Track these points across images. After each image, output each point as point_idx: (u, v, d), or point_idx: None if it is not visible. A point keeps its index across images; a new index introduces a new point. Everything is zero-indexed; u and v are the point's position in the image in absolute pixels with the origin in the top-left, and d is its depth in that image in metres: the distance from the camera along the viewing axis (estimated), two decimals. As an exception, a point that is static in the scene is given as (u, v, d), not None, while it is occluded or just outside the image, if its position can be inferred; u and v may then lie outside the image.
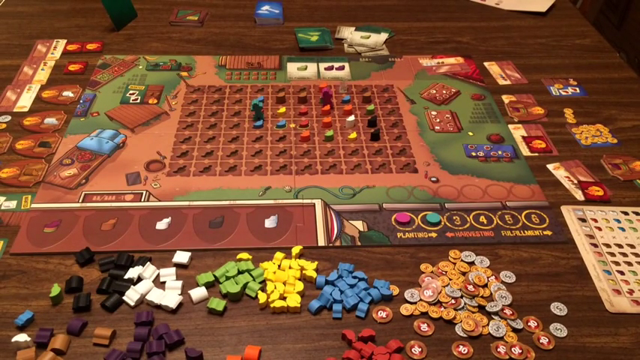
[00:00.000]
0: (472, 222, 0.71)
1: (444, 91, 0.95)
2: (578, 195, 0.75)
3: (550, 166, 0.80)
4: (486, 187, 0.76)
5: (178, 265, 0.65)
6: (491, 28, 1.15)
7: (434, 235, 0.69)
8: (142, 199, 0.73)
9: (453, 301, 0.61)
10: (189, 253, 0.65)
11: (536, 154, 0.82)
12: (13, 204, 0.72)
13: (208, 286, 0.62)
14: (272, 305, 0.60)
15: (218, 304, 0.59)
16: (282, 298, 0.61)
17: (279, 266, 0.64)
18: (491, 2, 1.24)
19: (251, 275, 0.63)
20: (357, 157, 0.81)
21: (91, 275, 0.63)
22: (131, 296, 0.60)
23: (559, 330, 0.58)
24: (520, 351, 0.56)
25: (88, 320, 0.58)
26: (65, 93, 0.92)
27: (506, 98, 0.94)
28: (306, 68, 1.00)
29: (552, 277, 0.64)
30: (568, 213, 0.72)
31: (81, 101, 0.90)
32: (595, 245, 0.68)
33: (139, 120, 0.87)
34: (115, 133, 0.84)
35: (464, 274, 0.64)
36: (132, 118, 0.87)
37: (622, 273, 0.65)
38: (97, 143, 0.82)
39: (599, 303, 0.62)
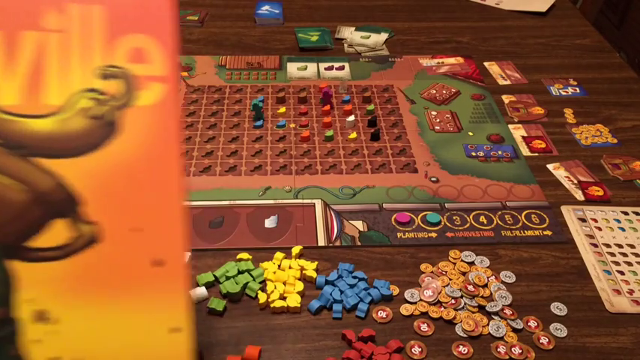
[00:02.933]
0: (472, 222, 0.71)
1: (444, 91, 0.95)
2: (578, 195, 0.75)
3: (550, 166, 0.80)
4: (486, 187, 0.76)
5: (178, 265, 0.65)
6: (491, 28, 1.15)
7: (434, 235, 0.69)
8: (142, 199, 0.73)
9: (453, 301, 0.61)
10: (189, 253, 0.65)
11: (536, 154, 0.82)
12: (13, 204, 0.72)
13: (208, 286, 0.62)
14: (272, 305, 0.60)
15: (218, 304, 0.59)
16: (282, 298, 0.61)
17: (279, 266, 0.64)
18: (491, 2, 1.24)
19: (251, 275, 0.63)
20: (357, 157, 0.81)
21: (91, 275, 0.63)
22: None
23: (559, 330, 0.58)
24: (520, 351, 0.56)
25: (88, 320, 0.58)
26: (65, 93, 0.92)
27: (506, 98, 0.94)
28: (306, 68, 1.00)
29: (552, 277, 0.64)
30: (568, 213, 0.72)
31: (81, 101, 0.90)
32: (595, 245, 0.68)
33: (139, 120, 0.87)
34: (115, 133, 0.83)
35: (464, 274, 0.64)
36: (132, 118, 0.87)
37: (622, 273, 0.65)
38: (97, 143, 0.82)
39: (599, 303, 0.62)
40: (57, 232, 0.30)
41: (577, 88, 0.97)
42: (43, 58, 0.32)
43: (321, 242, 0.68)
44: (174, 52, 0.33)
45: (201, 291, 0.61)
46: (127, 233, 0.31)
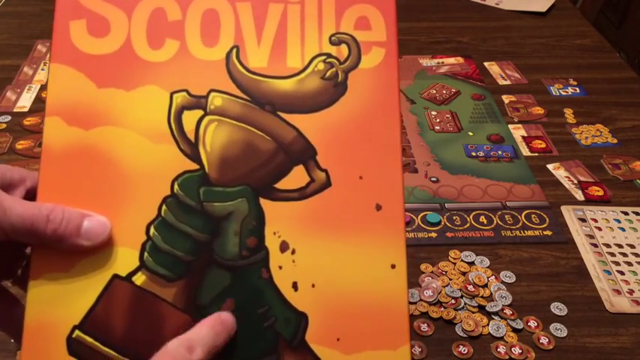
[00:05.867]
0: (472, 222, 0.71)
1: (444, 91, 0.95)
2: (578, 195, 0.75)
3: (550, 166, 0.80)
4: (486, 187, 0.76)
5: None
6: (491, 28, 1.15)
7: (434, 235, 0.69)
8: (142, 199, 0.73)
9: (452, 301, 0.61)
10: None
11: (536, 154, 0.82)
12: (13, 204, 0.72)
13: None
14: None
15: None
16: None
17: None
18: (491, 2, 1.24)
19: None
20: (357, 157, 0.81)
21: (91, 275, 0.63)
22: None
23: (559, 330, 0.58)
24: (520, 351, 0.56)
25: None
26: (65, 93, 0.92)
27: (506, 98, 0.94)
28: (306, 68, 1.00)
29: (552, 277, 0.64)
30: (568, 213, 0.72)
31: (81, 101, 0.90)
32: (595, 245, 0.68)
33: (139, 120, 0.87)
34: (115, 133, 0.84)
35: (464, 274, 0.64)
36: (132, 118, 0.87)
37: (622, 273, 0.65)
38: (97, 143, 0.82)
39: (599, 303, 0.62)
40: (296, 177, 0.36)
41: (577, 88, 0.97)
42: (285, 27, 0.37)
43: (321, 242, 0.68)
44: (393, 19, 0.39)
45: None
46: (353, 180, 0.36)
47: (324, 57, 0.38)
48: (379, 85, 0.38)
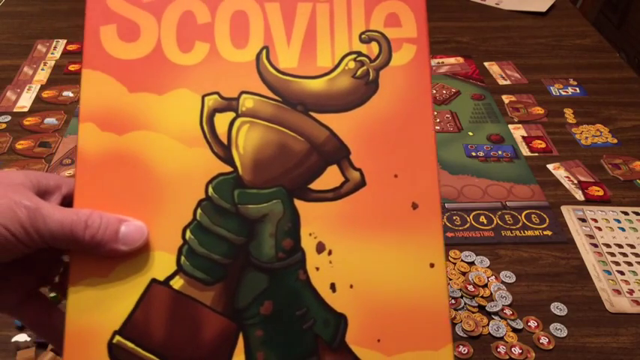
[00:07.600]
0: (472, 222, 0.71)
1: (444, 91, 0.95)
2: (578, 195, 0.75)
3: (550, 166, 0.80)
4: (486, 187, 0.76)
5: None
6: (491, 28, 1.15)
7: (434, 235, 0.69)
8: (142, 199, 0.73)
9: (452, 301, 0.61)
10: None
11: (536, 154, 0.82)
12: (13, 204, 0.72)
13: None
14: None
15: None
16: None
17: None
18: (491, 2, 1.24)
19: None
20: (357, 157, 0.81)
21: (91, 275, 0.63)
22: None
23: (559, 330, 0.59)
24: (520, 351, 0.56)
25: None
26: (65, 93, 0.92)
27: (506, 98, 0.94)
28: (306, 68, 1.00)
29: (552, 277, 0.64)
30: (568, 213, 0.72)
31: (81, 101, 0.90)
32: (595, 245, 0.68)
33: (139, 120, 0.87)
34: (115, 133, 0.84)
35: (464, 274, 0.64)
36: (132, 118, 0.87)
37: (622, 273, 0.65)
38: (97, 143, 0.82)
39: (599, 303, 0.62)
40: (330, 177, 0.35)
41: (577, 88, 0.97)
42: (314, 26, 0.37)
43: (321, 242, 0.68)
44: (423, 15, 0.39)
45: None
46: (388, 179, 0.36)
47: (354, 55, 0.37)
48: (411, 82, 0.38)
